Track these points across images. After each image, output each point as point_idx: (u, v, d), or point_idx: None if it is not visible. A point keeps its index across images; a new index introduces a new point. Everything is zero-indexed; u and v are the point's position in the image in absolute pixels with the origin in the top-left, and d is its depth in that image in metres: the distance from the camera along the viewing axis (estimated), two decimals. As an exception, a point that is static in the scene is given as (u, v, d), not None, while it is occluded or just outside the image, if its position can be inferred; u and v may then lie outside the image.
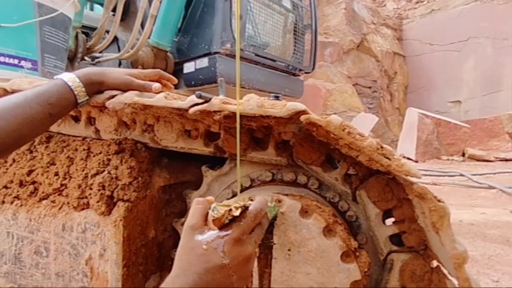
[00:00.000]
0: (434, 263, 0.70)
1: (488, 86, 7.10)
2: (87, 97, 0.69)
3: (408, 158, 5.34)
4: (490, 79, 7.04)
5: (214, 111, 0.61)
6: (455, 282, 0.62)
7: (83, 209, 0.78)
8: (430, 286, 0.68)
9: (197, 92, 0.60)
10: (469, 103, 7.39)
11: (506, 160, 5.09)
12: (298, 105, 0.56)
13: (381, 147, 0.54)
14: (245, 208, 0.48)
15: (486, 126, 5.84)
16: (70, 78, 0.66)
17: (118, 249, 0.74)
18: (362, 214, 0.74)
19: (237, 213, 0.46)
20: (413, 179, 0.58)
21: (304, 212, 0.62)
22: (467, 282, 0.50)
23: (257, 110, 0.59)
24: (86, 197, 0.78)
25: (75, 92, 0.66)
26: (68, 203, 0.79)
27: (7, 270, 0.83)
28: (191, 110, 0.63)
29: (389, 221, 0.75)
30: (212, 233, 0.47)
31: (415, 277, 0.68)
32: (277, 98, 0.63)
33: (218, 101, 0.60)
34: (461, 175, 3.88)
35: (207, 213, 0.48)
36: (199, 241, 0.46)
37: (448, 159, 5.37)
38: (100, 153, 0.81)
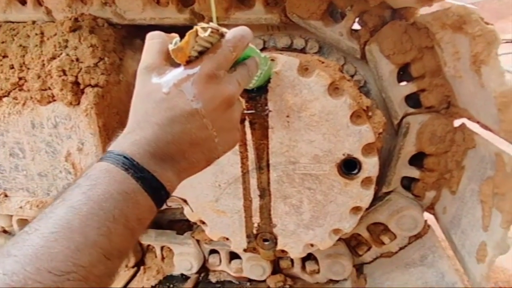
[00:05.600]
0: (457, 123, 0.61)
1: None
2: None
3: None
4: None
5: None
6: (485, 136, 0.54)
7: (49, 102, 0.68)
8: (451, 147, 0.60)
9: None
10: (482, -15, 6.68)
11: (511, 41, 4.83)
12: None
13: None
14: (220, 36, 0.36)
15: (493, 7, 5.40)
16: None
17: (95, 141, 0.65)
18: (371, 76, 0.63)
19: (205, 34, 0.33)
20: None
21: (304, 70, 0.51)
22: None
23: None
24: (50, 88, 0.67)
25: None
26: (31, 97, 0.68)
27: (-12, 177, 0.77)
28: None
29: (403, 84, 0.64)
30: (175, 72, 0.34)
31: (434, 138, 0.60)
32: None
33: None
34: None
35: (167, 50, 0.36)
36: (158, 83, 0.34)
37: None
38: (55, 35, 0.67)
